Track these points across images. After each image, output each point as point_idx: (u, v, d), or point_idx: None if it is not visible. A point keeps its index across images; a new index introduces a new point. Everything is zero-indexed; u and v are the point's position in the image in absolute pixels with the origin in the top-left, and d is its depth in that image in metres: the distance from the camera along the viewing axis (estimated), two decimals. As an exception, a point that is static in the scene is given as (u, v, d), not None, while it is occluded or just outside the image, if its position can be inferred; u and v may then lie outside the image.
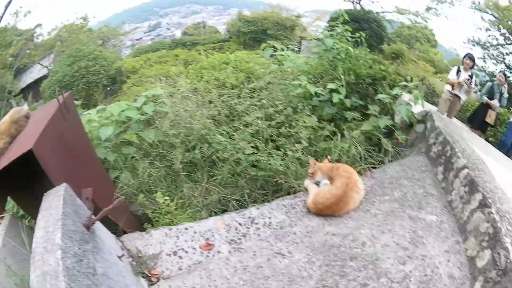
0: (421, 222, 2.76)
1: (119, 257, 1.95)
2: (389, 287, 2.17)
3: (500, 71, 11.28)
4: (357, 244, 2.51)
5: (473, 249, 2.48)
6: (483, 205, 2.57)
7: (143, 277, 2.11)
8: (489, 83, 7.96)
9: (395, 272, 2.28)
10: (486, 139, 7.66)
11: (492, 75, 12.59)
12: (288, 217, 2.83)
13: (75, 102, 5.02)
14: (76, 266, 1.35)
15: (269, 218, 2.80)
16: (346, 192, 2.83)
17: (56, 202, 1.63)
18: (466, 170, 2.97)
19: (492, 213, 2.43)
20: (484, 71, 15.69)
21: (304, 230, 2.69)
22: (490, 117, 7.29)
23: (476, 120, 7.74)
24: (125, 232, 2.60)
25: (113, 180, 3.89)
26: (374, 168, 3.64)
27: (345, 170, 2.99)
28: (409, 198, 3.05)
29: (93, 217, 1.76)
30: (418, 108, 4.55)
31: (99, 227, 1.91)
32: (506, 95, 7.40)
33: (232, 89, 5.02)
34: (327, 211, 2.84)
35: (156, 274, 2.16)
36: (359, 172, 3.53)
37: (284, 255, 2.41)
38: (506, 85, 7.40)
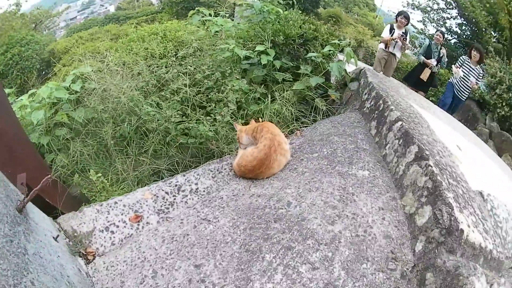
0: (351, 178, 2.60)
1: (55, 238, 1.88)
2: (316, 249, 2.00)
3: (438, 30, 11.61)
4: (282, 204, 2.37)
5: (411, 205, 2.29)
6: (420, 157, 2.41)
7: (80, 256, 2.05)
8: (426, 43, 8.19)
9: (322, 233, 2.11)
10: (427, 99, 7.93)
11: (431, 37, 12.99)
12: (215, 182, 2.73)
13: (9, 90, 4.85)
14: (6, 246, 1.41)
15: (196, 184, 2.69)
16: (269, 155, 2.67)
17: (-12, 190, 1.65)
18: (400, 123, 2.86)
19: (430, 165, 2.27)
20: (424, 34, 16.08)
21: (230, 194, 2.58)
22: (424, 74, 7.50)
23: (411, 77, 7.98)
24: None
25: (50, 163, 3.80)
26: (307, 127, 3.57)
27: (269, 131, 2.77)
28: (339, 154, 2.91)
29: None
30: (352, 67, 4.58)
31: (33, 210, 1.89)
32: (445, 59, 7.68)
33: (161, 59, 4.81)
34: (250, 174, 2.72)
35: (92, 252, 2.12)
36: (291, 132, 3.49)
37: (210, 221, 2.30)
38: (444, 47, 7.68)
